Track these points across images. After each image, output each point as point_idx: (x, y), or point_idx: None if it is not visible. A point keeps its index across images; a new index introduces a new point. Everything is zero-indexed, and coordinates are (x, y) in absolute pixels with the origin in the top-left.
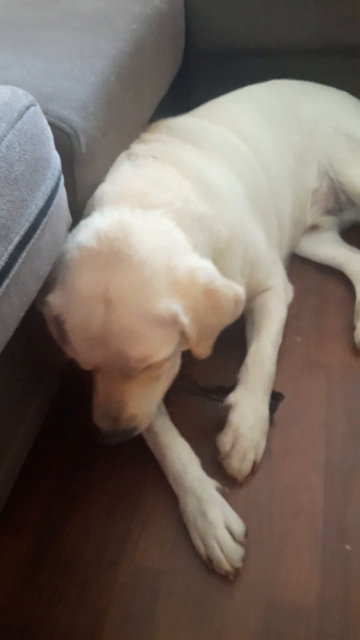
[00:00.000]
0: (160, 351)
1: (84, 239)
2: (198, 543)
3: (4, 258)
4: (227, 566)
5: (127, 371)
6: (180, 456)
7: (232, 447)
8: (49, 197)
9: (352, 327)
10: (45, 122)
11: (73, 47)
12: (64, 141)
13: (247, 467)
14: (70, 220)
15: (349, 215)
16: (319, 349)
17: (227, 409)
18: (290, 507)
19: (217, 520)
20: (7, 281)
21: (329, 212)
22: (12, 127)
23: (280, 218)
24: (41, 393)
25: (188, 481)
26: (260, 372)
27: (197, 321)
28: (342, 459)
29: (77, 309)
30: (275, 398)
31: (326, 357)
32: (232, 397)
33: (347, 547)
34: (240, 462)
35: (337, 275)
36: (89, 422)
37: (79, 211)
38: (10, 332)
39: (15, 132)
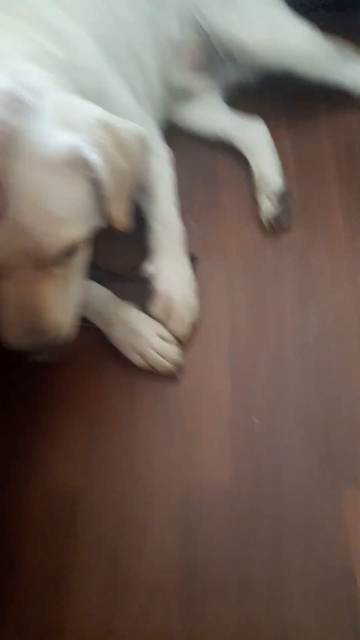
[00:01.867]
0: (79, 223)
1: None
2: (135, 357)
3: None
4: (168, 365)
5: (43, 262)
6: (97, 294)
7: (168, 315)
8: None
9: (246, 204)
10: None
11: None
12: None
13: (187, 330)
14: None
15: (230, 75)
16: (215, 232)
17: (149, 282)
18: (197, 392)
19: (148, 332)
20: None
21: (201, 69)
22: None
23: (144, 71)
24: None
25: (110, 311)
26: (171, 233)
27: (107, 164)
28: (248, 337)
29: None
30: (192, 261)
31: (223, 240)
32: (152, 267)
33: (256, 420)
34: (181, 327)
35: (226, 147)
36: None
37: None
38: None
39: None
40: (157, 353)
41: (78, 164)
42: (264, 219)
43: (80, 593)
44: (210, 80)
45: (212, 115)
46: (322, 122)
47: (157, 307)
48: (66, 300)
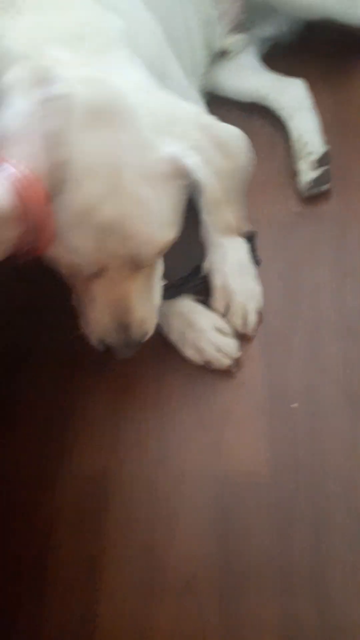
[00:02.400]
0: (174, 227)
1: (59, 96)
2: (191, 353)
3: None
4: (226, 360)
5: (138, 263)
6: None
7: (229, 307)
8: None
9: (285, 173)
10: None
11: None
12: None
13: (252, 319)
14: None
15: (265, 32)
16: (248, 201)
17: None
18: (230, 376)
19: (206, 326)
20: None
21: (239, 28)
22: None
23: (191, 41)
24: None
25: (166, 306)
26: None
27: (208, 167)
28: (279, 319)
29: (76, 188)
30: (250, 238)
31: (257, 210)
32: (206, 264)
33: (294, 405)
34: (240, 318)
35: (262, 112)
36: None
37: None
38: None
39: None
40: (215, 348)
41: (178, 173)
42: (301, 185)
43: (113, 584)
44: (245, 38)
45: (248, 75)
46: None
47: (216, 301)
48: (149, 297)
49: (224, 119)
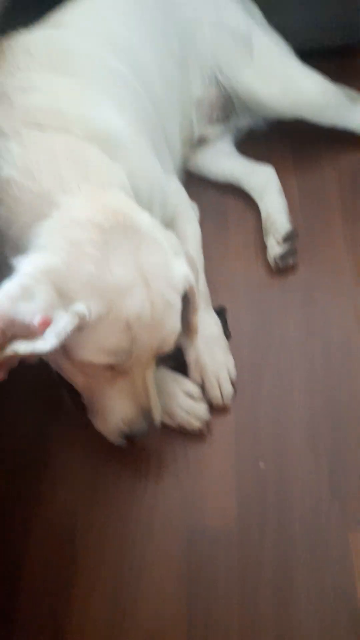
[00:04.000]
0: (179, 322)
1: (94, 235)
2: (165, 418)
3: None
4: (196, 423)
5: (162, 351)
6: None
7: (203, 379)
8: None
9: (255, 245)
10: None
11: None
12: None
13: (227, 388)
14: None
15: (241, 122)
16: (222, 270)
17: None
18: (202, 434)
19: (174, 391)
20: None
21: (215, 121)
22: None
23: (169, 140)
24: None
25: None
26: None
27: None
28: (250, 379)
29: (122, 304)
30: (220, 313)
31: (230, 277)
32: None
33: (261, 464)
34: (216, 388)
35: (236, 190)
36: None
37: None
38: None
39: None
40: (186, 412)
41: (185, 282)
42: (270, 259)
43: (78, 628)
44: (223, 128)
45: (224, 160)
46: (327, 162)
47: (191, 372)
48: (154, 383)
49: (201, 195)
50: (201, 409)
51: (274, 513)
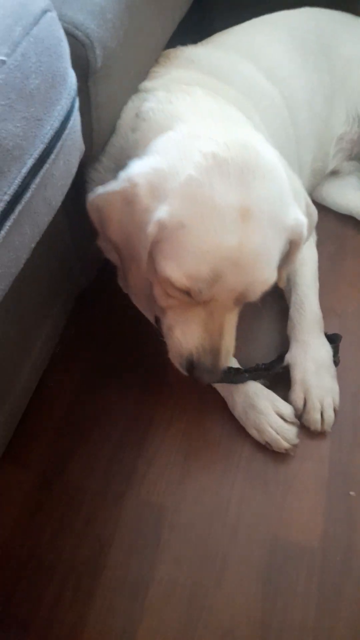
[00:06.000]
0: (276, 272)
1: (208, 148)
2: (254, 432)
3: (16, 182)
4: (284, 444)
5: (244, 299)
6: None
7: (305, 401)
8: (65, 118)
9: None
10: (62, 31)
11: None
12: (79, 52)
13: (329, 415)
14: (83, 148)
15: None
16: (333, 295)
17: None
18: (297, 452)
19: (267, 409)
20: (19, 207)
21: (352, 157)
22: (28, 33)
23: (301, 166)
24: (51, 320)
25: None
26: (306, 321)
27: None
28: (351, 408)
29: (209, 221)
30: (333, 340)
31: (342, 306)
32: (288, 357)
33: (352, 493)
34: (318, 412)
35: (356, 222)
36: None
37: (92, 134)
38: (21, 264)
39: (31, 39)
40: (275, 431)
41: (293, 231)
42: None
43: (154, 609)
44: (357, 164)
45: (350, 194)
46: None
47: (294, 393)
48: (233, 334)
49: (322, 221)
50: (291, 431)
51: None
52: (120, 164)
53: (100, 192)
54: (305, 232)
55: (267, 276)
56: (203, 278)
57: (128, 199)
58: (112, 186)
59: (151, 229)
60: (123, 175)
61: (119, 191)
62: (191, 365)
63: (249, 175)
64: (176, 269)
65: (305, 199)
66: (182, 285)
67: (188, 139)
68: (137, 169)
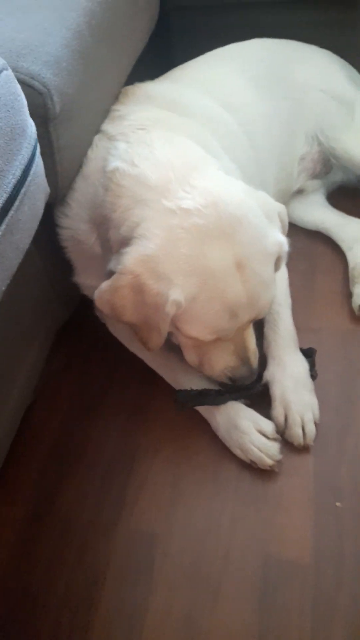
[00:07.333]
0: (275, 288)
1: (186, 221)
2: (238, 452)
3: None
4: (268, 461)
5: (258, 319)
6: (199, 383)
7: (286, 417)
8: (26, 166)
9: (341, 292)
10: (18, 87)
11: None
12: (37, 100)
13: (310, 429)
14: (49, 190)
15: (336, 177)
16: (309, 314)
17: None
18: (283, 468)
19: (249, 428)
20: None
21: (315, 176)
22: None
23: (264, 188)
24: (33, 355)
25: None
26: (281, 338)
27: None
28: (333, 421)
29: (215, 286)
30: (309, 354)
31: (316, 322)
32: (266, 374)
33: (338, 504)
34: (299, 427)
35: (325, 238)
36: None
37: (57, 176)
38: None
39: None
40: (258, 449)
41: (278, 252)
42: (355, 306)
43: (152, 638)
44: (320, 182)
45: (317, 211)
46: None
47: (275, 410)
48: (253, 338)
49: (291, 239)
50: (273, 447)
51: (350, 554)
52: (96, 220)
53: (106, 288)
54: (286, 247)
55: (270, 297)
56: (224, 327)
57: (137, 288)
58: (116, 281)
59: (169, 308)
60: (121, 268)
61: (125, 285)
62: (231, 380)
63: (229, 230)
64: (200, 330)
65: (274, 206)
66: (209, 339)
67: (165, 217)
68: (132, 260)
